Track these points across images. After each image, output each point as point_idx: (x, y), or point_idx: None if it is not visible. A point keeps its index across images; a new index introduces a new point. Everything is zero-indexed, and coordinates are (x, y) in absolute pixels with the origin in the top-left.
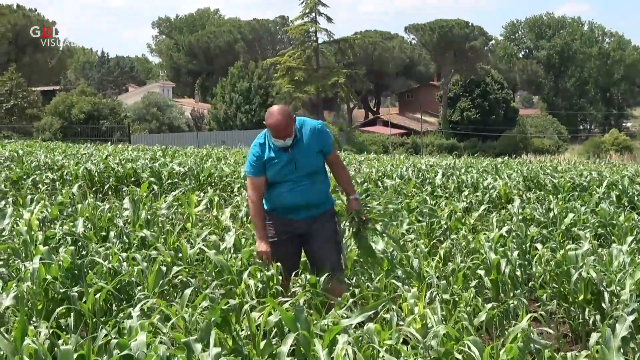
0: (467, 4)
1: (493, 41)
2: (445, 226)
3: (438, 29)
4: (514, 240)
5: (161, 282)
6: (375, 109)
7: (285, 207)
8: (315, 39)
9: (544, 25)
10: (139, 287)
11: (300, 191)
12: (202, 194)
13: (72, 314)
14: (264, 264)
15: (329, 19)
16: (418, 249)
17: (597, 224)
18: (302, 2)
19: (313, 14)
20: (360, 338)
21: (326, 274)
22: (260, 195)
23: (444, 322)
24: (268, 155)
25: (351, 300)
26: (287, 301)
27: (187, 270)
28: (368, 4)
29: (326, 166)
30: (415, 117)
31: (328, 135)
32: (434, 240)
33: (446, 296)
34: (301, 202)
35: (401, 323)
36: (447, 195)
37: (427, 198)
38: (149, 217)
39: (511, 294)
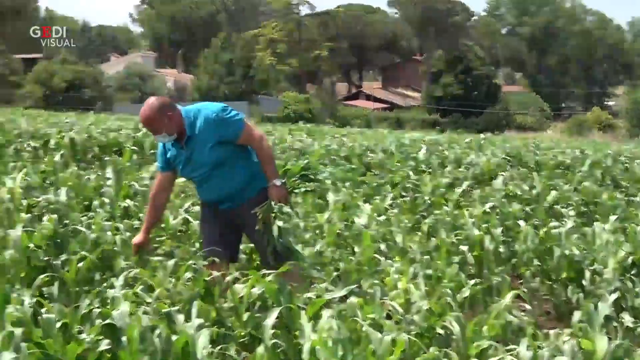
0: None
1: (476, 17)
2: (429, 201)
3: (421, 4)
4: (498, 217)
5: (145, 252)
6: (358, 83)
7: (206, 200)
8: (298, 11)
9: (528, 2)
10: (122, 257)
11: (210, 187)
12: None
13: (55, 283)
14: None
15: None
16: (401, 224)
17: (580, 202)
18: None
19: None
20: (344, 312)
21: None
22: (158, 189)
23: (427, 298)
24: (170, 153)
25: (334, 274)
26: (270, 273)
27: (170, 240)
28: None
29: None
30: (398, 91)
31: (227, 122)
32: (417, 216)
33: (429, 271)
34: (216, 198)
35: (384, 298)
36: (430, 170)
37: (411, 173)
38: (135, 186)
39: (494, 271)
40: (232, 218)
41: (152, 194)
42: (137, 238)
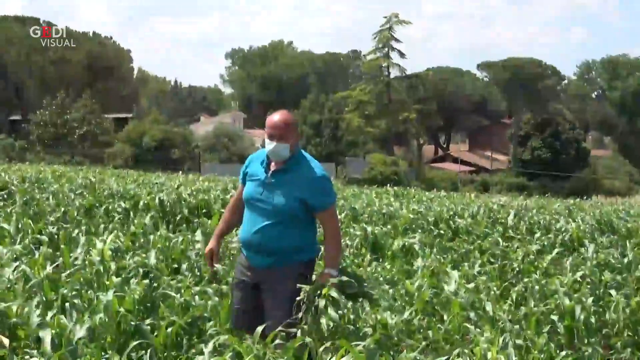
0: (541, 42)
1: (566, 81)
2: (518, 269)
3: (511, 67)
4: (588, 285)
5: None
6: (445, 146)
7: (243, 241)
8: (387, 73)
9: (619, 67)
10: (210, 322)
11: (258, 224)
12: None
13: (148, 349)
14: (209, 266)
15: (402, 55)
16: (491, 292)
17: None
18: (375, 37)
19: (386, 49)
20: None
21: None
22: (236, 200)
23: None
24: (252, 169)
25: (423, 343)
26: (359, 344)
27: None
28: (441, 39)
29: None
30: (485, 154)
31: (323, 190)
32: (506, 283)
33: (519, 341)
34: (254, 240)
35: None
36: (519, 237)
37: (499, 239)
38: (220, 250)
39: (585, 341)
40: (255, 280)
41: (231, 201)
42: (209, 246)
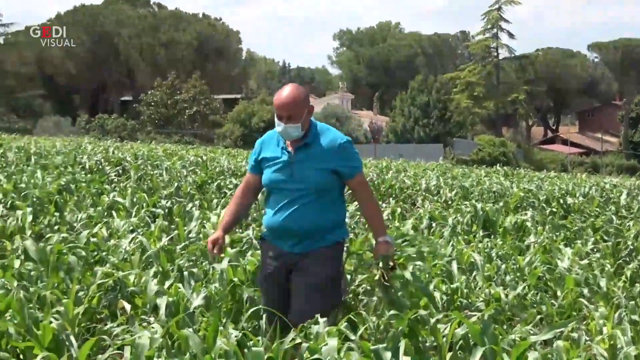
0: None
1: None
2: (632, 247)
3: (622, 47)
4: None
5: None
6: (554, 127)
7: (272, 229)
8: (496, 54)
9: None
10: None
11: (291, 208)
12: (383, 205)
13: (264, 316)
14: (210, 254)
15: (511, 35)
16: (606, 269)
17: None
18: (484, 18)
19: (495, 30)
20: (549, 355)
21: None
22: (245, 189)
23: (633, 344)
24: (269, 152)
25: (538, 317)
26: (473, 315)
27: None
28: (551, 20)
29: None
30: (595, 136)
31: (351, 155)
32: (620, 261)
33: (635, 317)
34: (289, 225)
35: (588, 342)
36: (632, 216)
37: (613, 217)
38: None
39: None
40: (291, 263)
41: (236, 193)
42: (213, 235)
